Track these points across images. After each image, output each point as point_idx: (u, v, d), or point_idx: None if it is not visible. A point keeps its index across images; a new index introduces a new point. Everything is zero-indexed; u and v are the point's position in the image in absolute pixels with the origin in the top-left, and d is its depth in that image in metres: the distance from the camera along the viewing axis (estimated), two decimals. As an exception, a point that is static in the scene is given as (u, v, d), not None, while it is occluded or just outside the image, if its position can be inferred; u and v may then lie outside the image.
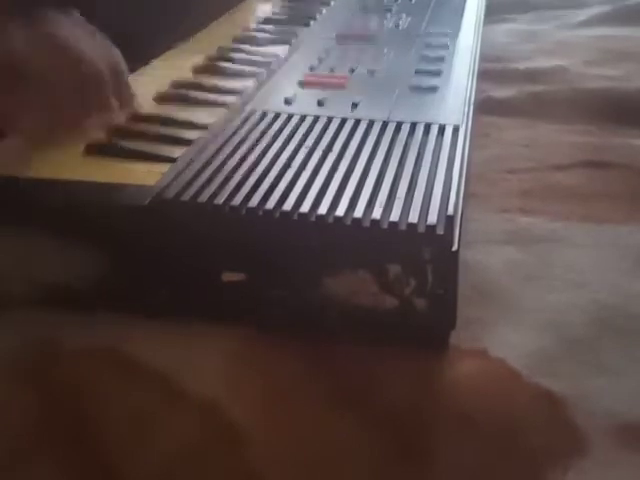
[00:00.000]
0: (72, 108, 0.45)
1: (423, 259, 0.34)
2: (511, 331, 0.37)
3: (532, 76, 0.70)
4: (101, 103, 0.47)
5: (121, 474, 0.31)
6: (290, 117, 0.46)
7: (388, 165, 0.40)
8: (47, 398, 0.34)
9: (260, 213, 0.36)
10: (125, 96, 0.49)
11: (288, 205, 0.36)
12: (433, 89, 0.51)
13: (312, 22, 0.69)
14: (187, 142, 0.44)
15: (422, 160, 0.40)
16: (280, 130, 0.44)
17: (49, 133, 0.44)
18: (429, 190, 0.37)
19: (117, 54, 0.49)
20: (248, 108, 0.48)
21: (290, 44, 0.62)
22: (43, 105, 0.45)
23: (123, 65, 0.49)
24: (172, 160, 0.41)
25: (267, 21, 0.72)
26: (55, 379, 0.35)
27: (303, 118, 0.46)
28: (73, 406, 0.34)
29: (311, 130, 0.44)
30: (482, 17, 0.73)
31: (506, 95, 0.66)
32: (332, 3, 0.77)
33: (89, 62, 0.46)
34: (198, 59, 0.59)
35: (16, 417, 0.33)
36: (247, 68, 0.57)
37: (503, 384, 0.35)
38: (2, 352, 0.37)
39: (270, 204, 0.36)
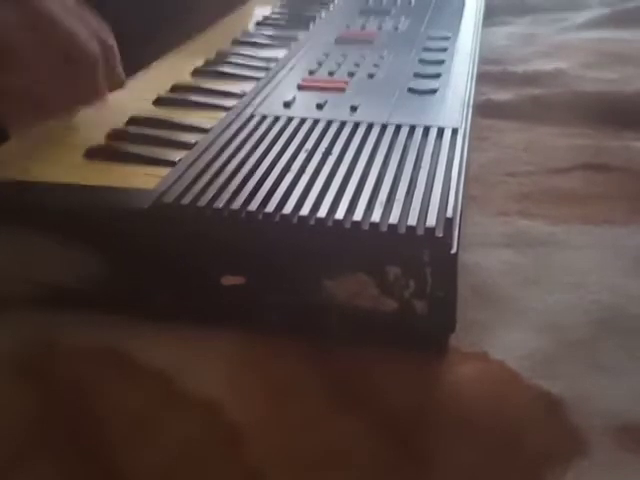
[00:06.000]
0: (60, 91, 0.43)
1: (422, 261, 0.34)
2: (510, 333, 0.38)
3: (531, 79, 0.70)
4: (92, 86, 0.45)
5: (122, 474, 0.31)
6: (289, 120, 0.46)
7: (387, 168, 0.40)
8: (47, 398, 0.34)
9: (260, 216, 0.36)
10: (115, 76, 0.47)
11: (288, 208, 0.36)
12: (432, 92, 0.51)
13: (312, 25, 0.70)
14: (187, 145, 0.44)
15: (421, 163, 0.40)
16: (279, 133, 0.44)
17: (34, 117, 0.43)
18: (428, 193, 0.37)
19: (107, 30, 0.46)
20: (247, 111, 0.48)
21: (289, 47, 0.62)
22: (28, 88, 0.42)
23: (112, 40, 0.46)
24: (172, 164, 0.42)
25: (266, 24, 0.72)
26: (55, 379, 0.35)
27: (302, 121, 0.46)
28: (73, 406, 0.34)
29: (310, 133, 0.44)
30: (481, 20, 0.73)
31: (505, 98, 0.66)
32: (331, 6, 0.77)
33: (81, 42, 0.43)
34: (197, 62, 0.59)
35: (16, 417, 0.33)
36: (246, 71, 0.57)
37: (502, 386, 0.35)
38: (2, 352, 0.37)
39: (270, 207, 0.36)
